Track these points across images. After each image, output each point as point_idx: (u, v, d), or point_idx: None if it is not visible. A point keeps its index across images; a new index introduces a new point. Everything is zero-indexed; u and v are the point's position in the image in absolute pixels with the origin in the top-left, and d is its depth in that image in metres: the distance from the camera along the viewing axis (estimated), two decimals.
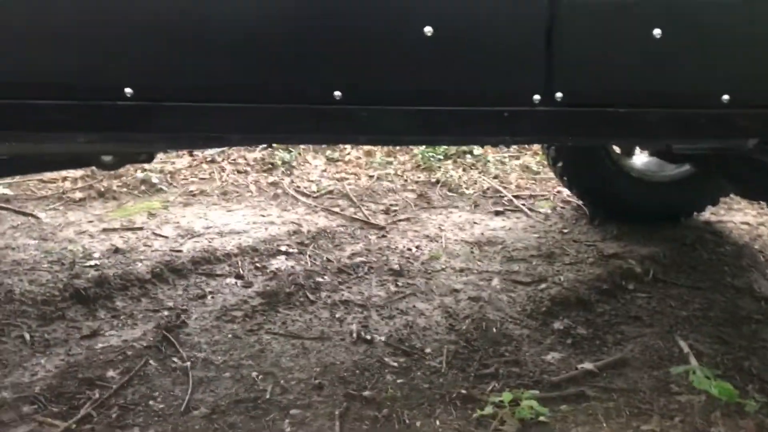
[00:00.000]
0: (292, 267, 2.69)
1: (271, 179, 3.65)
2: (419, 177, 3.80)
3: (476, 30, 1.22)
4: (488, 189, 3.64)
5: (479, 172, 3.87)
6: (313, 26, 1.22)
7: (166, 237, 2.94)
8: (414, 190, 3.62)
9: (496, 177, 3.79)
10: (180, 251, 2.79)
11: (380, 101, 1.29)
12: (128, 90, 1.21)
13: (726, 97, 1.31)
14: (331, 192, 3.54)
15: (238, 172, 3.70)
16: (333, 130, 1.35)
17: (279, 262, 2.73)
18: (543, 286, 2.61)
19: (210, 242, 2.88)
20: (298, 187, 3.58)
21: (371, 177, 3.77)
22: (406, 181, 3.75)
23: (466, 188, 3.65)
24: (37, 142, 1.35)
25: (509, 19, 1.22)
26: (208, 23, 1.20)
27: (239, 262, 2.71)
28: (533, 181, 3.75)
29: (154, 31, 1.17)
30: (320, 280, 2.60)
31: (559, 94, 1.27)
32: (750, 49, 1.29)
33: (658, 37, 1.24)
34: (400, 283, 2.61)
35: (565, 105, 1.28)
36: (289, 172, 3.75)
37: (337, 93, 1.26)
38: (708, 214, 3.26)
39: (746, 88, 1.32)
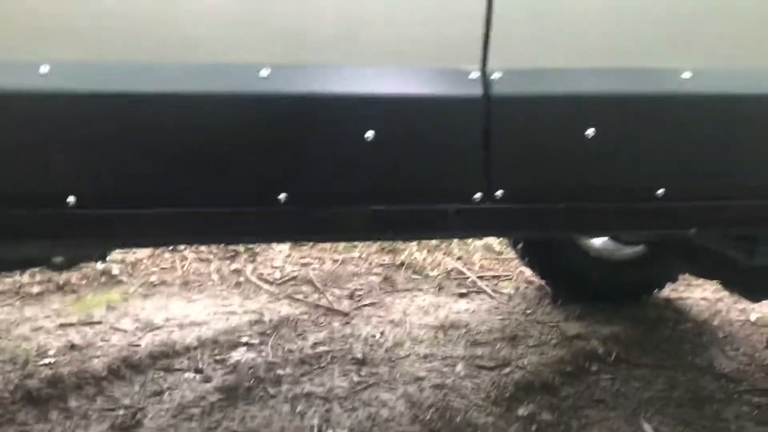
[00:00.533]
0: (253, 359, 2.64)
1: (234, 266, 3.63)
2: (384, 260, 3.81)
3: (415, 133, 1.26)
4: (452, 270, 3.66)
5: (443, 253, 3.89)
6: (258, 132, 1.25)
7: (125, 331, 2.88)
8: (379, 274, 3.62)
9: (459, 258, 3.82)
10: (138, 345, 2.73)
11: (326, 202, 1.31)
12: (71, 198, 1.21)
13: (661, 191, 1.36)
14: (294, 278, 3.52)
15: (201, 260, 3.67)
16: (282, 231, 1.36)
17: (239, 354, 2.68)
18: (507, 370, 2.60)
19: (169, 335, 2.83)
20: (261, 274, 3.56)
21: (336, 261, 3.77)
22: (370, 264, 3.76)
23: (431, 270, 3.66)
24: None
25: (447, 122, 1.26)
26: (150, 131, 1.21)
27: (199, 356, 2.66)
28: (497, 262, 3.78)
29: (95, 140, 1.19)
30: (281, 372, 2.55)
31: (499, 192, 1.31)
32: (680, 145, 1.35)
33: (591, 135, 1.29)
34: (363, 373, 2.57)
35: (506, 202, 1.31)
36: (252, 259, 3.73)
37: (282, 195, 1.28)
38: (668, 291, 3.30)
39: (679, 182, 1.37)
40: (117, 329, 2.89)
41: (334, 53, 1.20)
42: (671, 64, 1.30)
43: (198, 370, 2.55)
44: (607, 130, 1.30)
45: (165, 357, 2.65)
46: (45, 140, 1.18)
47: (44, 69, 1.15)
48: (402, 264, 3.73)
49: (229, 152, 1.23)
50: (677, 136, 1.34)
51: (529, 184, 1.32)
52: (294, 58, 1.20)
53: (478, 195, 1.31)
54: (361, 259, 3.82)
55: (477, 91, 1.25)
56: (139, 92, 1.18)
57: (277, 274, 3.56)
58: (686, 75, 1.31)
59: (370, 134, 1.24)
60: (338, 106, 1.22)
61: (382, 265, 3.74)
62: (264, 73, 1.20)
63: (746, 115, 1.35)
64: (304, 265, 3.71)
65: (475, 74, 1.26)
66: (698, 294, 3.33)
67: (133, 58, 1.18)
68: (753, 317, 3.08)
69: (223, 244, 3.57)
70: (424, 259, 3.78)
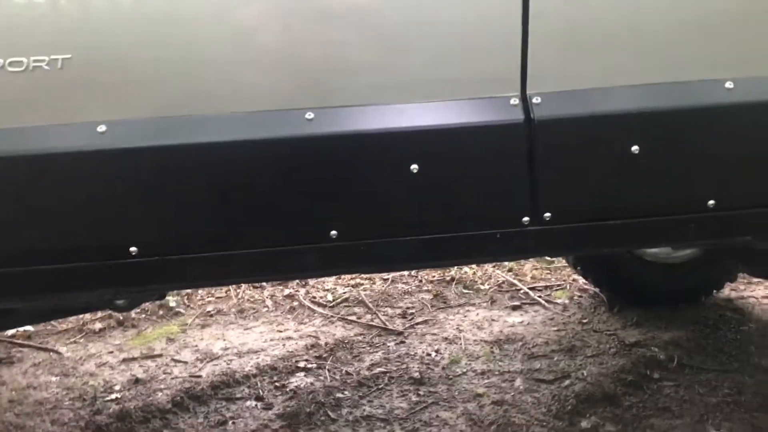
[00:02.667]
0: (312, 384, 2.68)
1: (286, 292, 3.68)
2: (434, 276, 3.81)
3: (459, 164, 1.28)
4: (503, 283, 3.64)
5: (493, 266, 3.87)
6: (307, 173, 1.28)
7: (185, 362, 2.95)
8: (430, 290, 3.62)
9: (510, 270, 3.79)
10: (199, 376, 2.79)
11: (376, 235, 1.34)
12: (133, 248, 1.27)
13: (711, 202, 1.34)
14: (346, 300, 3.56)
15: (254, 287, 3.74)
16: (335, 265, 1.39)
17: (298, 380, 2.72)
18: (567, 382, 2.57)
19: (228, 364, 2.89)
20: (314, 297, 3.61)
21: (386, 280, 3.79)
22: (421, 281, 3.76)
23: (482, 284, 3.65)
24: (49, 302, 1.40)
25: (490, 149, 1.28)
26: (208, 179, 1.26)
27: (258, 383, 2.71)
28: (548, 271, 3.75)
29: (154, 194, 1.24)
30: (341, 395, 2.58)
31: (547, 215, 1.31)
32: (729, 155, 1.33)
33: (636, 152, 1.29)
34: (421, 392, 2.58)
35: (555, 223, 1.31)
36: (304, 283, 3.78)
37: (333, 232, 1.31)
38: (728, 291, 3.22)
39: (729, 192, 1.35)
40: (178, 361, 2.96)
41: (376, 93, 1.24)
42: (712, 75, 1.29)
43: (259, 398, 2.60)
44: (652, 145, 1.29)
45: (226, 386, 2.70)
46: (105, 195, 1.23)
47: (101, 128, 1.21)
48: (452, 279, 3.72)
49: (282, 194, 1.26)
50: (723, 147, 1.32)
51: (576, 204, 1.32)
52: (337, 100, 1.23)
53: (526, 218, 1.32)
54: (410, 276, 3.83)
55: (518, 116, 1.27)
56: (195, 143, 1.23)
57: (329, 297, 3.60)
58: (729, 85, 1.30)
59: (414, 167, 1.26)
60: (382, 141, 1.25)
61: (431, 281, 3.75)
62: (309, 116, 1.24)
63: None
64: (355, 286, 3.74)
65: (515, 100, 1.28)
66: (760, 292, 3.24)
67: (191, 111, 1.23)
68: None
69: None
70: (474, 273, 3.77)
